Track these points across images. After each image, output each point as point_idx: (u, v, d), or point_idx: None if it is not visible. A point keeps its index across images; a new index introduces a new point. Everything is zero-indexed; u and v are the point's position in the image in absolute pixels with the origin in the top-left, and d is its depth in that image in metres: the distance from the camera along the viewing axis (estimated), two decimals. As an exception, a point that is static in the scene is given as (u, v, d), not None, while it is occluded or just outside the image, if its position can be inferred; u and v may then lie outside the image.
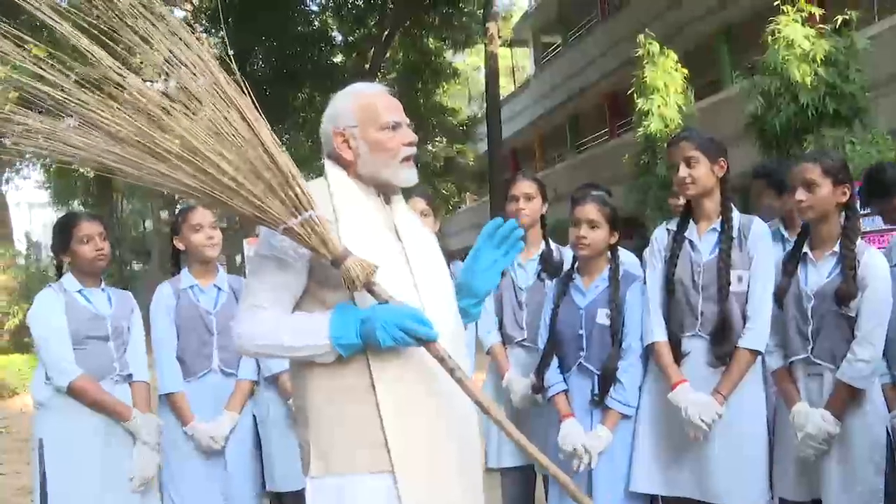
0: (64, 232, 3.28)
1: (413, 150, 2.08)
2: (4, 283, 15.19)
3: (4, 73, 1.94)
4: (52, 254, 3.47)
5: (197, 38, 1.95)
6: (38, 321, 3.21)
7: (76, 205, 27.29)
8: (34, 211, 34.94)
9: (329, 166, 2.07)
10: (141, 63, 1.92)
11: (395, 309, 1.87)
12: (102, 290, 3.34)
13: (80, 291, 3.26)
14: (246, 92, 1.94)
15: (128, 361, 3.30)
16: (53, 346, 3.15)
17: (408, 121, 2.10)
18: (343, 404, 1.93)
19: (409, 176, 2.08)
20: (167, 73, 1.91)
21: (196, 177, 1.89)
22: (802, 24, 7.79)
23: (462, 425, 2.00)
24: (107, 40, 1.87)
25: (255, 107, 1.94)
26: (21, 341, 13.91)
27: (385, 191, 2.10)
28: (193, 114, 1.90)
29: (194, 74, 1.90)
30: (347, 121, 2.05)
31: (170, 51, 1.89)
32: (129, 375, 3.30)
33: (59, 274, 3.35)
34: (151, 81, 1.95)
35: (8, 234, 16.77)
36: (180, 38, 1.91)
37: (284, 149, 1.96)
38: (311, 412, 1.97)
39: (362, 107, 2.05)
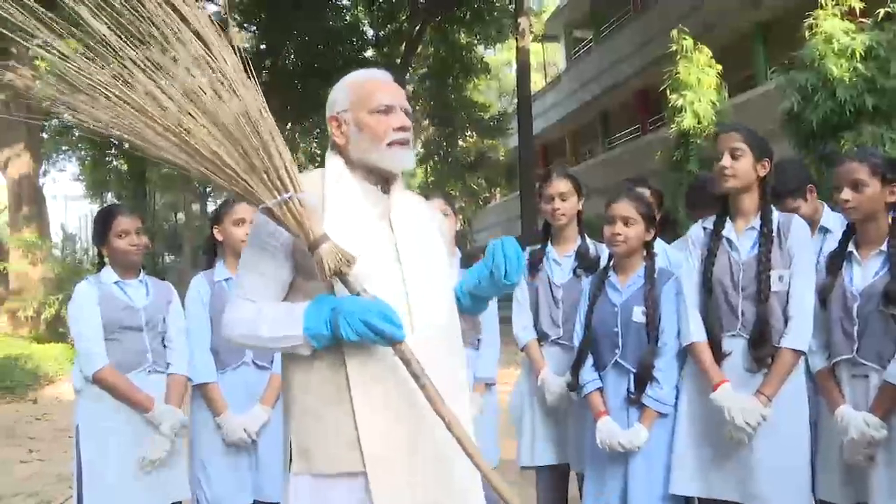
0: (103, 225, 3.33)
1: (404, 134, 2.02)
2: (41, 275, 15.43)
3: None
4: (93, 245, 3.53)
5: (200, 8, 1.91)
6: (73, 312, 3.28)
7: (110, 197, 27.66)
8: (70, 203, 35.45)
9: (328, 156, 2.05)
10: (132, 32, 1.87)
11: (361, 302, 1.82)
12: (140, 281, 3.38)
13: (116, 283, 3.31)
14: (250, 74, 1.91)
15: (164, 352, 3.34)
16: (83, 337, 3.21)
17: (405, 105, 2.05)
18: (319, 402, 1.90)
19: (399, 160, 2.02)
20: (161, 44, 1.88)
21: (185, 151, 1.87)
22: (842, 18, 7.66)
23: (441, 430, 1.90)
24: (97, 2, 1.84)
25: (258, 89, 1.91)
26: (57, 331, 14.16)
27: (382, 177, 2.05)
28: (175, 81, 1.87)
29: (181, 43, 1.87)
30: (341, 105, 2.04)
31: (164, 21, 1.86)
32: (166, 366, 3.34)
33: (101, 264, 3.41)
34: (136, 46, 1.89)
35: (45, 227, 17.01)
36: (176, 9, 1.87)
37: (284, 134, 1.92)
38: (293, 407, 1.95)
39: (355, 91, 2.04)
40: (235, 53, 1.92)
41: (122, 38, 1.86)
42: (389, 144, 1.99)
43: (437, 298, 2.01)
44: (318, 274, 1.83)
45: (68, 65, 1.87)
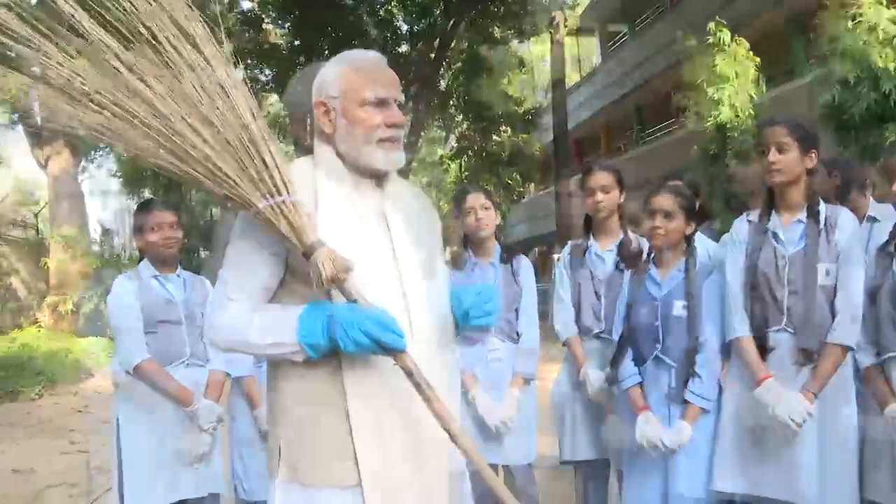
0: (139, 217, 3.37)
1: (396, 132, 1.89)
2: (80, 270, 15.68)
3: None
4: (132, 239, 3.57)
5: (190, 8, 1.81)
6: (112, 306, 3.32)
7: (147, 193, 28.02)
8: (107, 199, 35.89)
9: (317, 143, 1.92)
10: (122, 34, 1.77)
11: (361, 311, 1.72)
12: (178, 275, 3.41)
13: (155, 277, 3.34)
14: (233, 64, 1.82)
15: (203, 346, 3.35)
16: (122, 332, 3.24)
17: (399, 97, 1.91)
18: (313, 411, 1.80)
19: (388, 160, 1.89)
20: (146, 37, 1.76)
21: (168, 149, 1.77)
22: (887, 6, 7.50)
23: (439, 440, 1.82)
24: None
25: (246, 83, 1.83)
26: (96, 325, 14.38)
27: (372, 172, 1.92)
28: (162, 80, 1.77)
29: (176, 40, 1.77)
30: (330, 90, 1.89)
31: (156, 24, 1.76)
32: (206, 360, 3.35)
33: (140, 258, 3.44)
34: (126, 48, 1.78)
35: (83, 223, 17.29)
36: (165, 10, 1.77)
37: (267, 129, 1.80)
38: (283, 414, 1.85)
39: (346, 77, 1.89)
40: (227, 57, 1.83)
41: (110, 38, 1.77)
42: (380, 142, 1.87)
43: (434, 299, 1.93)
44: (313, 280, 1.72)
45: (58, 69, 1.78)
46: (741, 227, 2.93)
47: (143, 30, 1.77)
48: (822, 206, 2.80)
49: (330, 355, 1.76)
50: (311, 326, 1.73)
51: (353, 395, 1.77)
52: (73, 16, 1.75)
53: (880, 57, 7.27)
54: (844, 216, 2.79)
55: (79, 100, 1.78)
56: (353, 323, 1.69)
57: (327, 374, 1.78)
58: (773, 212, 2.86)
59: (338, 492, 1.77)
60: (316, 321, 1.73)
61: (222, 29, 1.87)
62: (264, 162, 1.77)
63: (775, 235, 2.82)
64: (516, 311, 3.54)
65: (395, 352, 1.73)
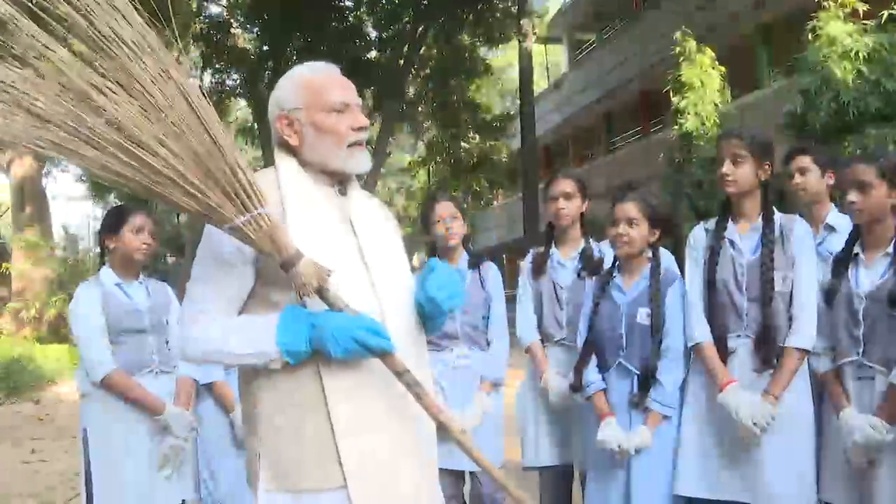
0: (118, 217, 3.30)
1: (363, 135, 1.93)
2: (44, 275, 15.45)
3: None
4: (98, 240, 3.49)
5: (140, 15, 1.75)
6: (75, 317, 3.24)
7: (112, 198, 27.69)
8: (72, 204, 35.42)
9: (278, 156, 1.92)
10: (69, 33, 1.70)
11: (348, 318, 1.74)
12: (140, 282, 3.35)
13: (118, 285, 3.27)
14: (193, 75, 1.78)
15: (171, 354, 3.31)
16: (88, 342, 3.18)
17: (359, 101, 1.95)
18: (294, 415, 1.80)
19: (358, 163, 1.93)
20: (103, 50, 1.69)
21: (133, 166, 1.71)
22: (844, 21, 7.64)
23: (424, 439, 1.87)
24: (33, 7, 1.66)
25: (203, 93, 1.79)
26: (59, 331, 14.16)
27: (338, 179, 1.96)
28: (132, 96, 1.71)
29: (135, 53, 1.70)
30: (292, 103, 1.91)
31: (109, 26, 1.68)
32: (174, 367, 3.31)
33: (102, 258, 3.37)
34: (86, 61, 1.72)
35: (47, 228, 17.05)
36: (122, 14, 1.71)
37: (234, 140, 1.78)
38: (262, 421, 1.84)
39: (307, 88, 1.91)
40: (190, 66, 1.78)
41: (65, 51, 1.71)
42: (350, 146, 1.90)
43: (405, 302, 1.96)
44: (296, 291, 1.74)
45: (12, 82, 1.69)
46: (699, 234, 2.99)
47: (99, 41, 1.70)
48: (777, 215, 2.86)
49: (307, 360, 1.77)
50: (290, 333, 1.75)
51: (334, 396, 1.78)
52: (22, 29, 1.67)
53: (839, 69, 7.40)
54: (798, 225, 2.85)
55: (44, 117, 1.70)
56: (342, 331, 1.72)
57: (306, 378, 1.79)
58: (730, 220, 2.92)
59: (326, 495, 1.78)
60: (296, 328, 1.75)
61: (190, 33, 1.84)
62: (234, 174, 1.75)
63: (732, 243, 2.88)
64: (484, 318, 3.56)
65: (384, 354, 1.76)
